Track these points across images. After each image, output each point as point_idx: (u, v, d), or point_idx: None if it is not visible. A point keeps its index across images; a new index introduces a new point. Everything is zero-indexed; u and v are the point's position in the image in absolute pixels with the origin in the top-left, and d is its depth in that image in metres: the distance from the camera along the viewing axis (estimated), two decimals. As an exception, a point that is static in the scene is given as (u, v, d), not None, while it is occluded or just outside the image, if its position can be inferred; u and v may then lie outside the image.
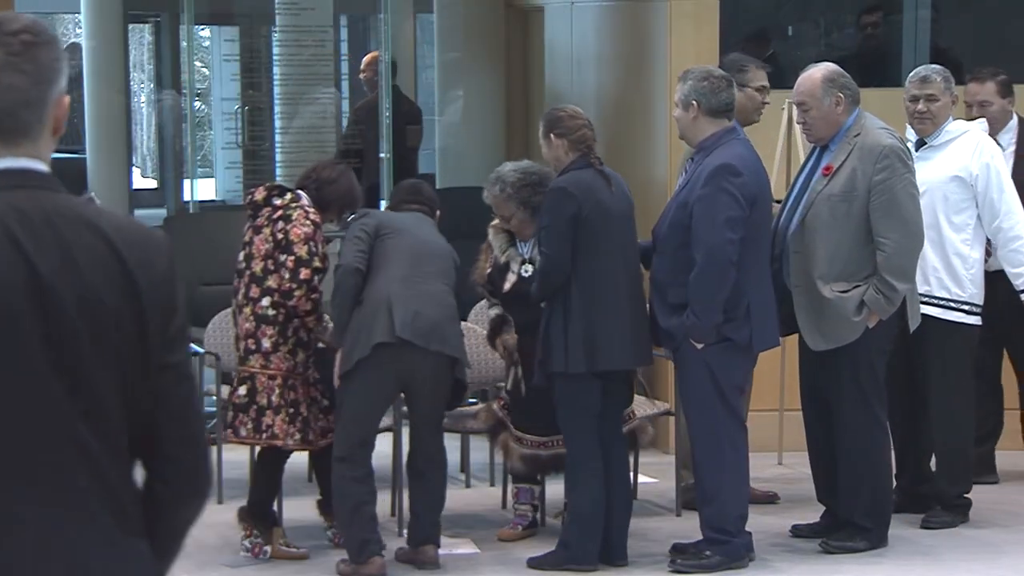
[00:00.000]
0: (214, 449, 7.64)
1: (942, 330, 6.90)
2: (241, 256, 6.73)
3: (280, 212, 6.60)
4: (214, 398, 7.70)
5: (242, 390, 6.61)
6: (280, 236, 6.56)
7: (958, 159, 6.94)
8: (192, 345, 8.08)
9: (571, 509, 6.51)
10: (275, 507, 6.86)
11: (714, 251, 6.19)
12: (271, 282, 6.57)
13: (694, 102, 6.38)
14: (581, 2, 9.16)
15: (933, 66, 7.16)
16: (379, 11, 10.86)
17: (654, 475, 7.72)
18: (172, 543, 2.94)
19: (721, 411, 6.36)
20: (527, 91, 10.09)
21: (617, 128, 8.71)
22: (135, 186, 19.69)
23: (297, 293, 6.50)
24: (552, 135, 6.44)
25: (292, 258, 6.52)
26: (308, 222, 6.56)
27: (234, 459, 7.58)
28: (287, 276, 6.51)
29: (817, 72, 6.68)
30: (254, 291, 6.61)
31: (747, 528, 6.51)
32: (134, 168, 20.26)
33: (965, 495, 7.13)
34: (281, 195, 6.66)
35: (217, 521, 7.28)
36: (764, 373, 7.59)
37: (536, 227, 6.52)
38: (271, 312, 6.58)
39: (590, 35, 9.11)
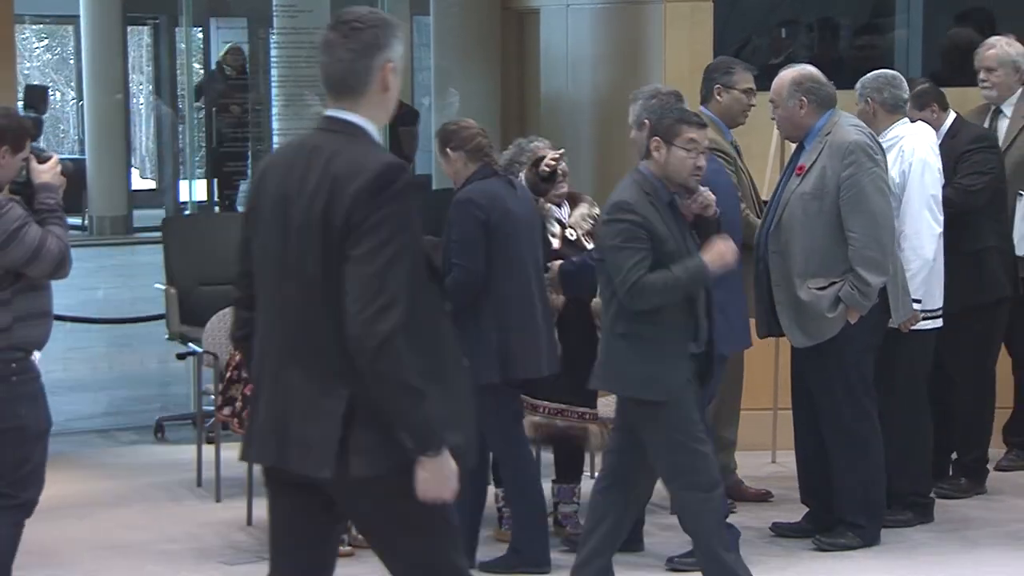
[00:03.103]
0: (212, 448, 7.70)
1: (893, 333, 6.92)
2: None
3: None
4: (212, 397, 7.74)
5: None
6: None
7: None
8: (190, 344, 8.16)
9: (516, 516, 6.52)
10: None
11: None
12: None
13: (646, 120, 6.49)
14: (576, 4, 9.20)
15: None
16: (376, 13, 10.91)
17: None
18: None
19: None
20: (523, 93, 10.13)
21: (612, 130, 8.74)
22: (134, 187, 19.75)
23: None
24: (448, 150, 6.48)
25: None
26: None
27: (232, 458, 7.61)
28: None
29: (788, 74, 6.79)
30: None
31: (738, 526, 6.55)
32: (133, 169, 20.31)
33: (925, 495, 7.17)
34: None
35: (215, 519, 7.33)
36: (757, 372, 7.65)
37: (444, 241, 6.46)
38: None
39: (585, 37, 9.15)
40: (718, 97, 7.20)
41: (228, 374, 6.73)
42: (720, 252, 5.71)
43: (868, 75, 7.11)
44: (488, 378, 6.26)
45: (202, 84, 16.46)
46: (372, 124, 3.99)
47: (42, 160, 5.57)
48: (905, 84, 7.11)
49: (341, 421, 3.87)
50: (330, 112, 4.02)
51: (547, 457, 7.18)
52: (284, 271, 3.95)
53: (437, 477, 3.86)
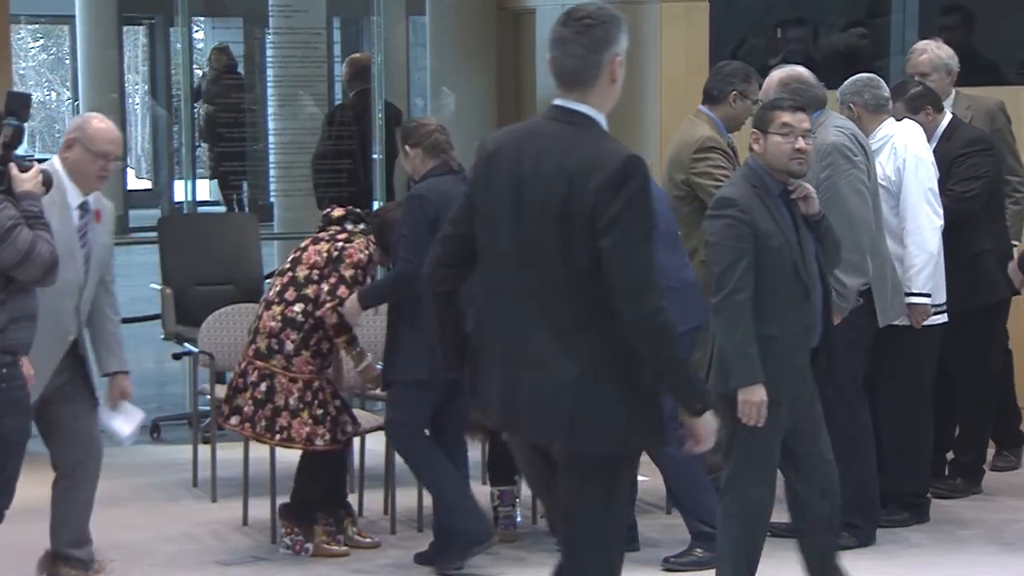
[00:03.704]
0: (209, 448, 7.70)
1: (895, 330, 6.93)
2: (289, 258, 6.80)
3: (346, 236, 6.67)
4: (208, 397, 7.75)
5: (263, 387, 6.65)
6: (335, 254, 6.64)
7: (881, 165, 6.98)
8: (186, 344, 8.16)
9: (442, 509, 6.50)
10: (348, 500, 6.99)
11: None
12: (309, 291, 6.64)
13: None
14: (573, 4, 9.20)
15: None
16: (372, 13, 10.90)
17: (645, 473, 7.75)
18: None
19: None
20: (519, 93, 10.13)
21: (608, 130, 8.76)
22: (129, 187, 19.73)
23: (328, 304, 6.57)
24: (407, 146, 6.53)
25: (336, 275, 6.62)
26: (366, 252, 6.65)
27: (228, 458, 7.63)
28: (326, 288, 6.58)
29: (776, 75, 6.81)
30: (290, 293, 6.67)
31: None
32: (129, 169, 20.30)
33: (922, 495, 7.17)
34: (356, 223, 6.74)
35: (211, 519, 7.34)
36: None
37: (396, 236, 6.50)
38: (300, 318, 6.64)
39: (581, 37, 9.15)
40: (732, 103, 7.20)
41: (234, 383, 6.73)
42: (750, 404, 5.48)
43: (846, 81, 7.13)
44: (418, 374, 6.34)
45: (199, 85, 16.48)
46: (600, 114, 4.28)
47: (23, 169, 5.56)
48: (884, 83, 7.12)
49: (571, 398, 4.15)
50: (559, 102, 4.27)
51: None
52: (517, 249, 4.23)
53: (707, 428, 4.37)
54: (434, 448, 6.50)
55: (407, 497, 7.08)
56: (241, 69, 14.46)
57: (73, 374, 6.06)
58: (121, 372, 6.21)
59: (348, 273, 6.63)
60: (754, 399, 5.47)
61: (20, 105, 5.72)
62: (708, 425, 4.39)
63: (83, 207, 6.03)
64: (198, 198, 10.93)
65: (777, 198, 5.69)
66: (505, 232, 4.26)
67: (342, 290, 6.60)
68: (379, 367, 6.73)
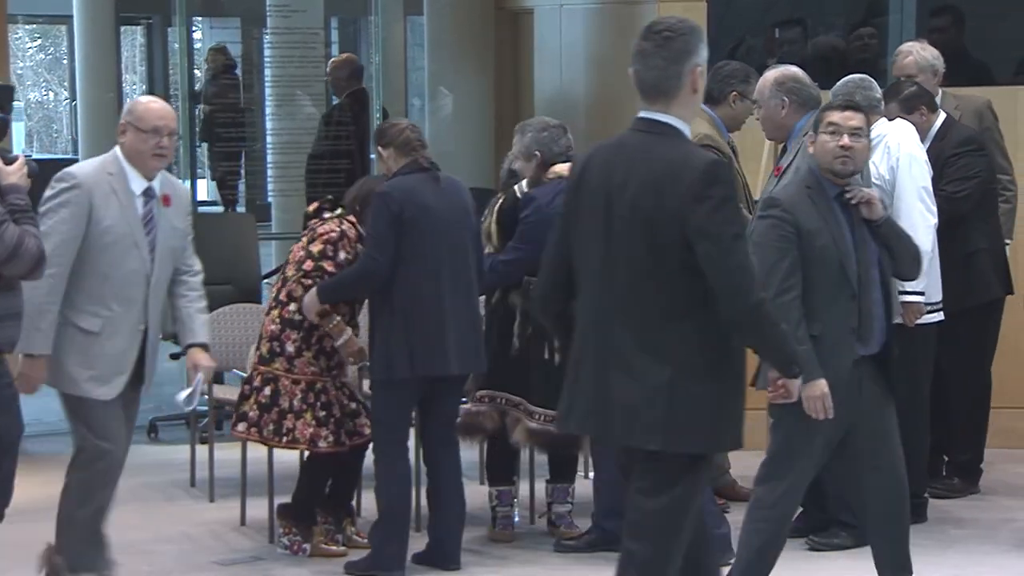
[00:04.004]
0: (206, 448, 7.69)
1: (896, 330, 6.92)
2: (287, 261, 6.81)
3: (323, 223, 6.68)
4: (206, 397, 7.74)
5: (267, 390, 6.65)
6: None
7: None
8: (184, 345, 8.14)
9: (379, 514, 6.52)
10: (352, 501, 7.02)
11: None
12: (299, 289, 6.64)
13: (537, 152, 6.73)
14: (570, 4, 9.21)
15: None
16: (370, 13, 10.91)
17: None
18: None
19: None
20: (517, 93, 10.14)
21: (605, 130, 8.74)
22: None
23: (293, 277, 6.56)
24: (380, 147, 6.57)
25: (305, 251, 6.64)
26: (337, 229, 6.63)
27: (226, 458, 7.63)
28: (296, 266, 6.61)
29: (771, 74, 6.84)
30: (284, 294, 6.67)
31: (732, 524, 6.56)
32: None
33: (919, 495, 7.17)
34: (332, 209, 6.74)
35: (209, 519, 7.34)
36: (750, 372, 7.63)
37: (367, 231, 6.53)
38: (297, 317, 6.64)
39: (579, 37, 9.16)
40: (732, 103, 7.24)
41: (242, 390, 6.74)
42: (813, 399, 5.49)
43: (838, 83, 7.14)
44: (397, 374, 6.34)
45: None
46: (683, 123, 4.42)
47: (8, 161, 5.53)
48: (876, 84, 7.13)
49: (665, 398, 4.32)
50: (644, 114, 4.43)
51: (541, 457, 7.19)
52: (608, 259, 4.39)
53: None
54: (405, 464, 6.48)
55: (405, 497, 7.08)
56: (239, 69, 14.47)
57: (134, 377, 5.95)
58: (197, 344, 6.06)
59: (316, 248, 6.63)
60: (815, 393, 5.50)
61: (3, 98, 5.70)
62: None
63: (147, 193, 5.90)
64: (197, 198, 10.94)
65: (832, 199, 5.69)
66: (596, 243, 4.41)
67: (308, 264, 6.60)
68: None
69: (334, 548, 6.74)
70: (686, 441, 4.38)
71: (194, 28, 18.32)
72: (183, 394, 6.05)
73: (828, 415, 5.30)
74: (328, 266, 6.58)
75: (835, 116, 5.76)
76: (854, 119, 5.74)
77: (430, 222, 6.36)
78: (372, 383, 6.52)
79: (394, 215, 6.33)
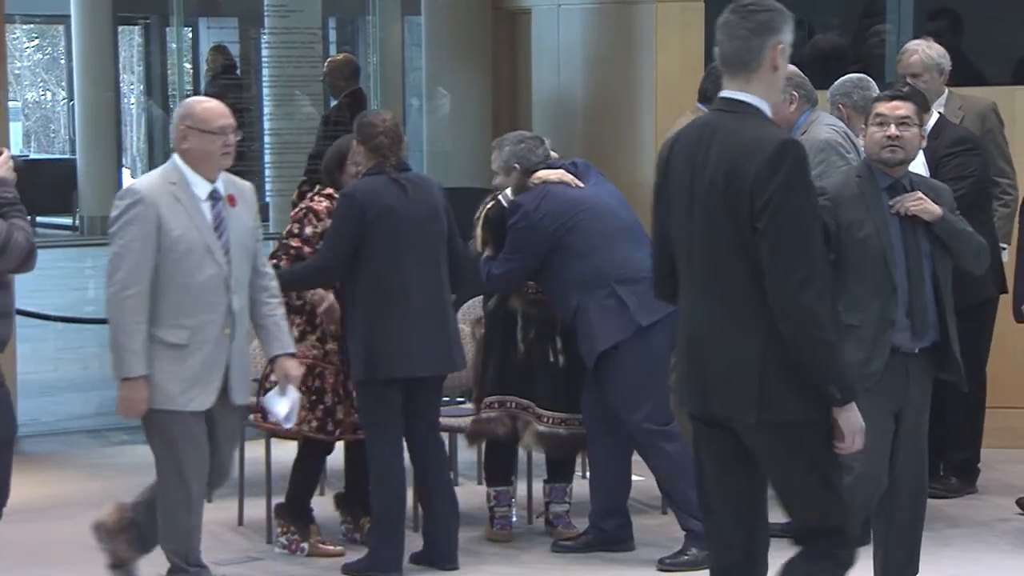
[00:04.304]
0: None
1: None
2: None
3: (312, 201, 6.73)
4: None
5: (273, 377, 6.67)
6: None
7: None
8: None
9: (373, 516, 6.53)
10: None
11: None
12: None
13: (516, 165, 6.73)
14: (568, 4, 9.21)
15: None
16: (367, 13, 10.92)
17: (640, 473, 7.77)
18: None
19: None
20: (514, 93, 10.14)
21: (603, 130, 8.77)
22: (125, 186, 19.75)
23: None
24: (355, 141, 6.58)
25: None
26: (304, 206, 6.66)
27: (223, 458, 7.62)
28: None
29: None
30: None
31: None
32: (124, 169, 20.30)
33: None
34: (311, 188, 6.77)
35: (206, 519, 7.28)
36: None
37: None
38: (298, 302, 6.65)
39: (577, 37, 9.17)
40: None
41: (261, 385, 6.75)
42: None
43: (836, 82, 7.14)
44: (368, 375, 6.35)
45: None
46: (764, 102, 4.45)
47: None
48: (873, 84, 7.13)
49: (758, 371, 4.36)
50: (725, 93, 4.50)
51: (538, 457, 7.19)
52: (694, 238, 4.46)
53: (853, 423, 4.39)
54: (399, 464, 6.47)
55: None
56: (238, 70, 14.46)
57: (224, 388, 5.86)
58: (285, 354, 5.99)
59: (286, 229, 6.69)
60: (854, 425, 5.44)
61: None
62: (850, 421, 4.40)
63: (213, 195, 5.84)
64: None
65: (882, 190, 5.70)
66: (684, 222, 4.50)
67: (273, 245, 6.67)
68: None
69: (331, 548, 6.75)
70: (780, 410, 4.39)
71: (191, 28, 18.34)
72: (283, 410, 6.00)
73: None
74: (294, 242, 6.61)
75: (882, 107, 5.82)
76: (901, 108, 5.78)
77: (394, 223, 6.37)
78: (354, 385, 6.54)
79: (356, 216, 6.35)
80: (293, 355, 6.03)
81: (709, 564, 4.73)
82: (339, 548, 6.75)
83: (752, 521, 4.60)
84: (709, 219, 4.42)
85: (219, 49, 14.54)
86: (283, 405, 6.00)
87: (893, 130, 5.69)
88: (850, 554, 4.52)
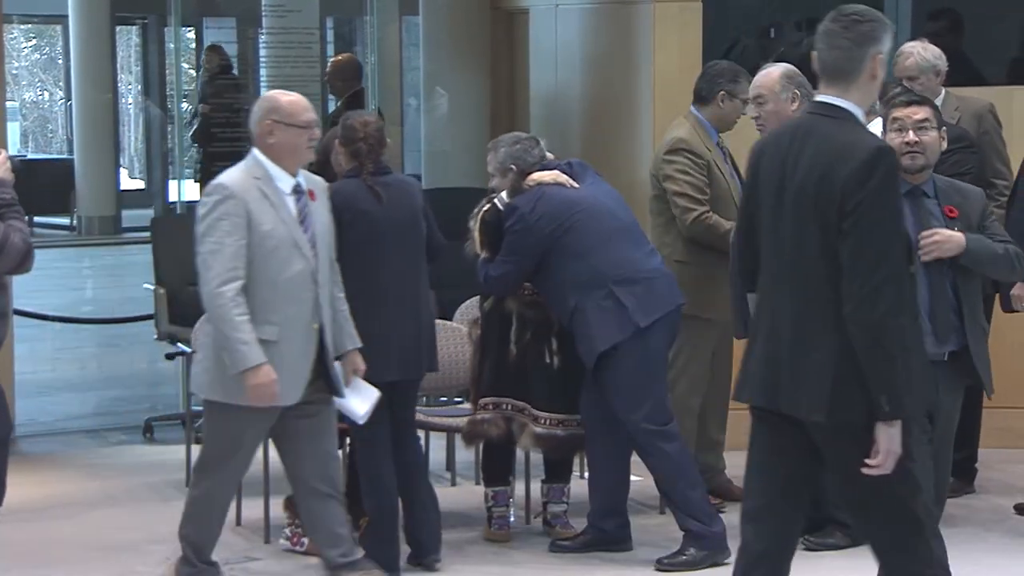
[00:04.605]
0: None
1: None
2: None
3: None
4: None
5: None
6: None
7: None
8: (179, 345, 8.16)
9: (367, 519, 6.54)
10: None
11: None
12: None
13: (512, 166, 6.74)
14: (566, 4, 9.21)
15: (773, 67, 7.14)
16: (365, 13, 10.91)
17: (638, 474, 7.77)
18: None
19: None
20: (512, 93, 10.14)
21: (601, 130, 8.77)
22: (122, 187, 19.74)
23: None
24: (337, 141, 6.59)
25: None
26: None
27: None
28: None
29: (775, 70, 6.86)
30: None
31: (727, 524, 6.56)
32: (122, 169, 20.31)
33: None
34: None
35: (204, 520, 7.33)
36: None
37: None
38: None
39: (575, 37, 9.17)
40: (720, 103, 7.27)
41: None
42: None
43: None
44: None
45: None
46: (859, 109, 4.55)
47: None
48: None
49: (832, 372, 4.43)
50: (821, 97, 4.59)
51: (536, 457, 7.19)
52: (781, 237, 4.55)
53: (892, 442, 4.42)
54: (388, 467, 6.46)
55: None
56: (236, 70, 14.44)
57: (319, 384, 5.90)
58: (354, 349, 6.02)
59: None
60: (894, 444, 5.48)
61: None
62: (890, 439, 4.43)
63: (296, 190, 5.86)
64: (193, 198, 10.93)
65: (904, 196, 5.63)
66: (771, 221, 4.60)
67: None
68: None
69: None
70: (854, 410, 4.45)
71: (190, 28, 18.35)
72: (362, 409, 6.01)
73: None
74: None
75: (899, 112, 5.84)
76: (919, 112, 5.77)
77: (370, 225, 6.38)
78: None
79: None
80: (360, 349, 6.06)
81: (740, 548, 4.76)
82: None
83: (791, 513, 4.69)
84: (798, 220, 4.51)
85: (215, 49, 14.57)
86: (359, 403, 5.99)
87: (912, 135, 5.69)
88: (928, 551, 4.64)
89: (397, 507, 6.53)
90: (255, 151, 5.84)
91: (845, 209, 4.40)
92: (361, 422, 6.10)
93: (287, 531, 6.82)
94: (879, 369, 4.39)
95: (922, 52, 7.64)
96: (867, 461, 4.43)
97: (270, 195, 5.75)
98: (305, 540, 6.75)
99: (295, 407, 5.85)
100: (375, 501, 6.45)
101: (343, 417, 6.19)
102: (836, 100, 4.55)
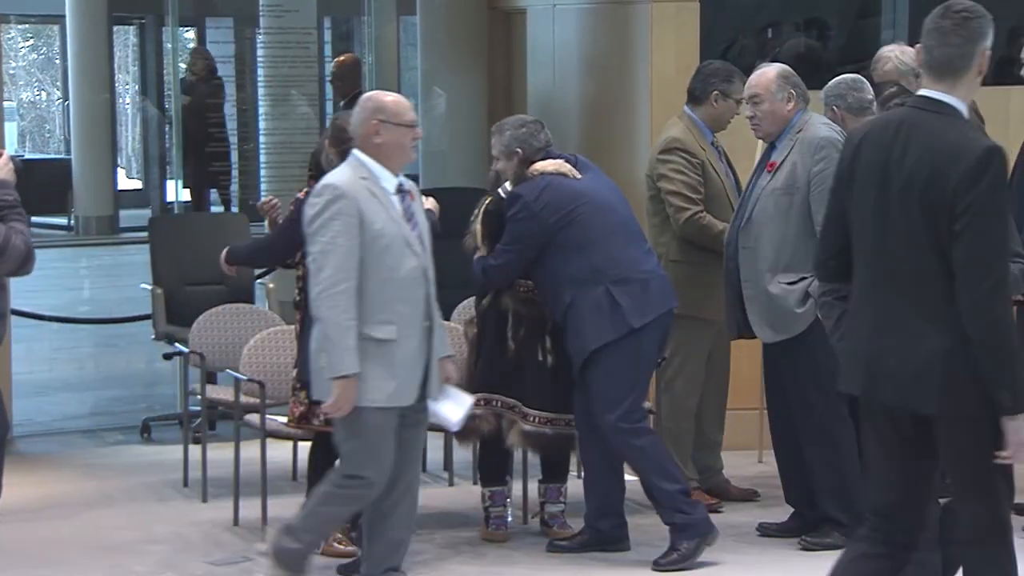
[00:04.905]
0: (199, 449, 7.69)
1: None
2: None
3: None
4: (199, 397, 7.75)
5: (293, 371, 6.73)
6: None
7: None
8: (177, 344, 8.16)
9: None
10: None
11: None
12: (299, 271, 6.66)
13: (518, 149, 6.72)
14: (563, 4, 9.21)
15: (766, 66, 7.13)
16: (363, 13, 10.91)
17: (634, 474, 7.78)
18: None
19: None
20: (510, 93, 10.14)
21: (598, 129, 8.76)
22: (120, 187, 19.72)
23: None
24: (327, 142, 6.61)
25: None
26: (297, 198, 6.69)
27: (219, 458, 7.63)
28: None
29: (771, 70, 6.86)
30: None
31: (725, 526, 6.58)
32: (119, 169, 20.29)
33: None
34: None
35: (201, 519, 7.33)
36: (744, 371, 7.66)
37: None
38: (297, 298, 6.67)
39: (572, 37, 9.16)
40: (714, 103, 7.29)
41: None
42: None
43: (830, 83, 7.16)
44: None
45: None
46: (963, 105, 4.62)
47: None
48: (867, 85, 7.15)
49: (943, 365, 4.49)
50: (927, 92, 4.63)
51: (533, 457, 7.19)
52: (883, 231, 4.59)
53: (1019, 435, 4.46)
54: None
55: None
56: (221, 71, 14.45)
57: (422, 392, 5.84)
58: (447, 356, 5.97)
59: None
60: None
61: None
62: (1019, 432, 4.48)
63: (400, 189, 5.85)
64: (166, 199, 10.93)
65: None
66: (872, 214, 4.63)
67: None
68: None
69: (342, 547, 6.69)
70: (962, 404, 4.50)
71: (187, 28, 18.35)
72: (456, 414, 5.96)
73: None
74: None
75: None
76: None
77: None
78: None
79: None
80: (452, 357, 6.06)
81: (866, 506, 4.85)
82: (351, 548, 6.71)
83: (925, 501, 4.75)
84: (904, 215, 4.55)
85: (199, 52, 14.59)
86: (453, 409, 5.96)
87: None
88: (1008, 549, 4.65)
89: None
90: (356, 153, 5.82)
91: (956, 211, 4.46)
92: (455, 429, 6.08)
93: None
94: (1000, 366, 4.45)
95: (900, 56, 7.66)
96: (998, 453, 4.49)
97: (377, 194, 5.73)
98: (321, 543, 6.72)
99: (407, 414, 5.80)
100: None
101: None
102: (943, 96, 4.60)
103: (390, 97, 5.91)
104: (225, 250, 6.94)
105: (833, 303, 5.29)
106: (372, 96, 5.95)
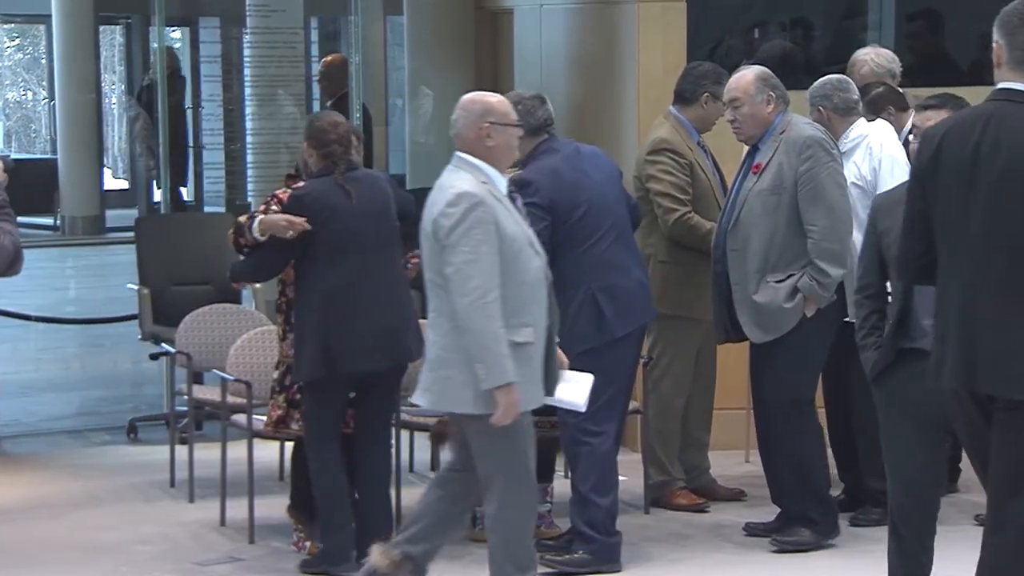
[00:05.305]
0: (186, 449, 7.69)
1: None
2: None
3: None
4: (186, 397, 7.74)
5: (274, 374, 6.74)
6: None
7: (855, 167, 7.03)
8: (163, 345, 8.16)
9: (318, 509, 6.55)
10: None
11: None
12: (282, 274, 6.65)
13: None
14: (550, 4, 9.22)
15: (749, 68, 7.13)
16: (349, 13, 10.89)
17: (622, 473, 7.77)
18: None
19: None
20: (497, 92, 10.14)
21: (586, 129, 8.76)
22: (106, 187, 19.70)
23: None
24: (307, 143, 6.59)
25: None
26: (264, 204, 6.67)
27: (206, 458, 7.62)
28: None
29: (749, 73, 6.87)
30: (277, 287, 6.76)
31: (711, 525, 6.58)
32: (105, 169, 20.26)
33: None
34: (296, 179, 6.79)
35: (188, 520, 7.33)
36: (731, 371, 7.67)
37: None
38: (278, 299, 6.68)
39: (559, 37, 9.17)
40: (704, 104, 7.30)
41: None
42: None
43: (815, 83, 7.18)
44: (314, 374, 6.37)
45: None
46: None
47: None
48: (853, 86, 7.16)
49: None
50: (1009, 85, 4.65)
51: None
52: (973, 222, 4.60)
53: None
54: (334, 453, 6.47)
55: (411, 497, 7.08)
56: (207, 71, 14.41)
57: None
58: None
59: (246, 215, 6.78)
60: None
61: None
62: None
63: (510, 191, 5.83)
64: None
65: None
66: (960, 208, 4.64)
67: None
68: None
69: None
70: None
71: (174, 28, 18.33)
72: (581, 397, 5.89)
73: None
74: (244, 234, 6.59)
75: (918, 119, 5.99)
76: (932, 119, 5.82)
77: (342, 222, 6.41)
78: (304, 383, 6.55)
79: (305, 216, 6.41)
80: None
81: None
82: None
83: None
84: (1000, 205, 4.57)
85: (167, 51, 14.56)
86: (580, 393, 5.88)
87: None
88: None
89: (347, 498, 6.50)
90: (467, 157, 5.70)
91: None
92: (583, 409, 5.97)
93: (294, 535, 6.81)
94: None
95: (875, 59, 7.69)
96: None
97: (499, 197, 5.65)
98: (307, 544, 6.73)
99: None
100: (324, 492, 6.46)
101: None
102: (1018, 85, 4.62)
103: (495, 98, 5.83)
104: (228, 272, 6.89)
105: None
106: (476, 98, 5.83)
